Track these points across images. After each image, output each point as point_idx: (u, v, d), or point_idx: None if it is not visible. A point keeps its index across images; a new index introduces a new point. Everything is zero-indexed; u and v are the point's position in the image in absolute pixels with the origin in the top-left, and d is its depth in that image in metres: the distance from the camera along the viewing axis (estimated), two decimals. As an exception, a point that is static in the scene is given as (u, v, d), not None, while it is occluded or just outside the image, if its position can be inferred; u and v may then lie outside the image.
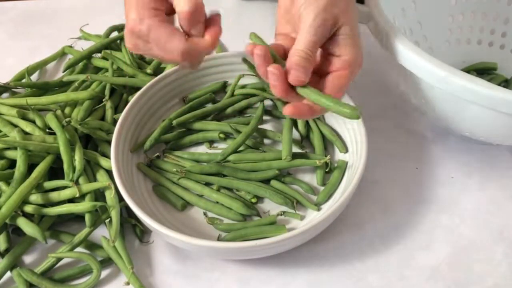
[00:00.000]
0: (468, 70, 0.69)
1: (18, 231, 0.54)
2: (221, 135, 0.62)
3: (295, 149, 0.61)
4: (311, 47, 0.47)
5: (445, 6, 0.70)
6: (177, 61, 0.50)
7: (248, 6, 0.84)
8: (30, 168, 0.55)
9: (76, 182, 0.55)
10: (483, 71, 0.70)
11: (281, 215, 0.56)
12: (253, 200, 0.57)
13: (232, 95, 0.66)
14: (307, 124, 0.62)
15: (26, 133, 0.59)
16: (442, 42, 0.71)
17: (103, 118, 0.64)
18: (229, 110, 0.65)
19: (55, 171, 0.57)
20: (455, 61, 0.71)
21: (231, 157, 0.59)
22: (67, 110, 0.63)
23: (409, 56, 0.51)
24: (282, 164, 0.58)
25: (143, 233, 0.56)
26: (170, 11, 0.51)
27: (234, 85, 0.65)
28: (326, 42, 0.49)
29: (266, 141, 0.63)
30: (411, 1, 0.66)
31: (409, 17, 0.66)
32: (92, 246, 0.55)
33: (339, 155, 0.61)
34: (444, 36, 0.71)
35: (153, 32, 0.48)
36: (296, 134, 0.63)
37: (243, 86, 0.66)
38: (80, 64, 0.72)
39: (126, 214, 0.57)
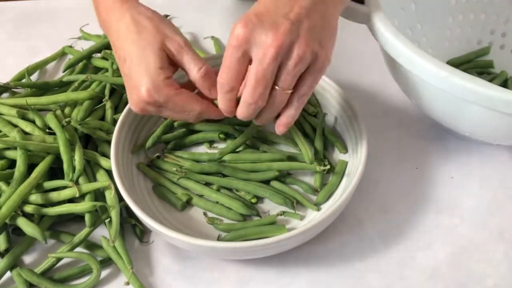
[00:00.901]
0: (465, 69, 0.69)
1: (18, 231, 0.54)
2: (221, 136, 0.62)
3: (295, 150, 0.61)
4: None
5: (445, 6, 0.70)
6: (187, 121, 0.54)
7: (247, 6, 0.84)
8: (30, 168, 0.55)
9: (76, 182, 0.55)
10: (483, 71, 0.70)
11: (281, 215, 0.56)
12: (253, 200, 0.57)
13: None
14: (308, 124, 0.62)
15: (26, 133, 0.59)
16: (442, 42, 0.71)
17: (103, 118, 0.64)
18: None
19: (55, 171, 0.57)
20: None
21: (229, 157, 0.59)
22: (67, 110, 0.63)
23: (409, 56, 0.51)
24: (282, 165, 0.58)
25: (143, 233, 0.56)
26: (176, 68, 0.53)
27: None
28: None
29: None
30: (411, 1, 0.67)
31: (409, 17, 0.66)
32: (92, 246, 0.55)
33: (339, 155, 0.61)
34: (444, 36, 0.71)
35: (171, 103, 0.50)
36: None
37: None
38: (80, 64, 0.72)
39: (126, 214, 0.57)
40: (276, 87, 0.47)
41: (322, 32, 0.47)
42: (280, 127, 0.51)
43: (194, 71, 0.51)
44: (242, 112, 0.49)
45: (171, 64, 0.52)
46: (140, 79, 0.49)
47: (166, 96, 0.50)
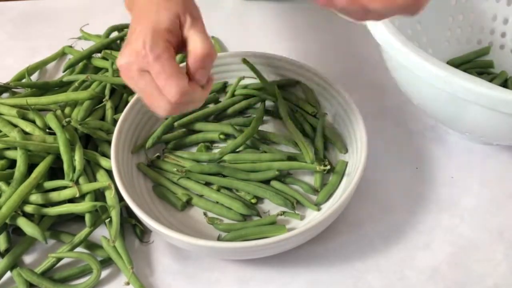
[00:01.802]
0: (465, 69, 0.69)
1: (18, 231, 0.54)
2: (221, 136, 0.62)
3: (295, 150, 0.61)
4: None
5: (445, 6, 0.70)
6: (163, 105, 0.46)
7: (248, 6, 0.84)
8: (30, 168, 0.55)
9: (76, 182, 0.55)
10: (483, 71, 0.70)
11: (281, 215, 0.56)
12: (253, 201, 0.57)
13: (233, 95, 0.66)
14: (308, 124, 0.62)
15: (26, 133, 0.59)
16: (442, 42, 0.71)
17: (103, 118, 0.64)
18: (229, 110, 0.65)
19: (55, 171, 0.57)
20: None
21: (229, 157, 0.59)
22: (67, 110, 0.63)
23: (409, 56, 0.51)
24: (282, 165, 0.58)
25: (143, 233, 0.56)
26: (178, 48, 0.49)
27: (234, 86, 0.65)
28: None
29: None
30: (411, 1, 0.66)
31: (409, 17, 0.66)
32: (92, 246, 0.55)
33: (339, 155, 0.61)
34: (444, 36, 0.71)
35: (159, 64, 0.45)
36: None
37: (244, 87, 0.66)
38: (80, 64, 0.72)
39: (126, 214, 0.57)
40: None
41: None
42: None
43: (200, 45, 0.47)
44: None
45: (177, 42, 0.48)
46: (140, 28, 0.46)
47: (157, 54, 0.45)
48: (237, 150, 0.60)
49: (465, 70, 0.65)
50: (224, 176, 0.58)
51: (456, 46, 0.72)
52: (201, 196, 0.58)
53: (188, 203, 0.58)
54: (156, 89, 0.46)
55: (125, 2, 0.52)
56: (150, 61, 0.45)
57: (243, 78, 0.65)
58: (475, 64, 0.71)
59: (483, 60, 0.71)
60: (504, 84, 0.68)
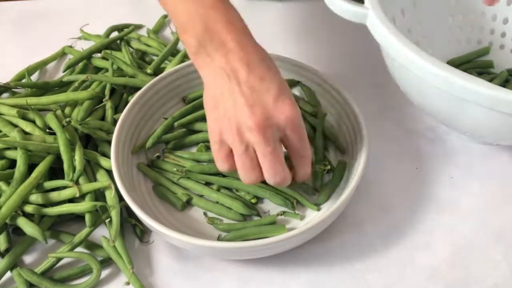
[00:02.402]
0: (465, 69, 0.69)
1: (18, 231, 0.54)
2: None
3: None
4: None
5: (445, 6, 0.70)
6: (253, 180, 0.50)
7: (249, 6, 0.84)
8: (30, 168, 0.55)
9: (76, 182, 0.55)
10: (483, 71, 0.70)
11: (281, 215, 0.56)
12: (253, 201, 0.57)
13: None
14: (308, 124, 0.62)
15: (26, 133, 0.59)
16: (442, 42, 0.71)
17: (103, 118, 0.64)
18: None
19: (55, 171, 0.57)
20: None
21: None
22: (67, 110, 0.63)
23: (409, 56, 0.51)
24: None
25: (143, 233, 0.56)
26: None
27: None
28: None
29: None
30: (411, 1, 0.66)
31: (409, 17, 0.66)
32: (92, 246, 0.55)
33: (339, 155, 0.61)
34: (444, 36, 0.71)
35: (272, 156, 0.47)
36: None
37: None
38: (80, 64, 0.72)
39: (126, 214, 0.57)
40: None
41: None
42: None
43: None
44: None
45: None
46: (285, 94, 0.47)
47: (274, 149, 0.47)
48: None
49: (465, 70, 0.65)
50: (224, 176, 0.58)
51: (456, 46, 0.71)
52: (201, 196, 0.58)
53: (188, 203, 0.58)
54: (281, 163, 0.48)
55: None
56: (266, 152, 0.47)
57: None
58: (475, 64, 0.71)
59: (483, 60, 0.71)
60: (504, 84, 0.68)
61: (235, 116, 0.46)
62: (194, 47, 0.47)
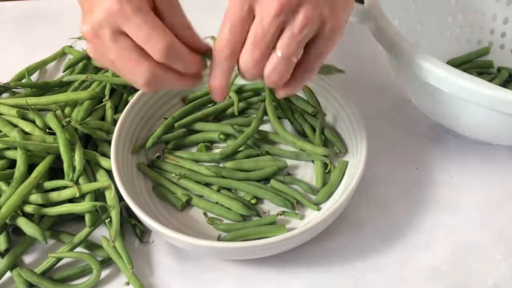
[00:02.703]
0: (465, 69, 0.69)
1: (18, 231, 0.54)
2: (221, 136, 0.62)
3: (295, 149, 0.61)
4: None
5: (445, 6, 0.70)
6: (145, 69, 0.40)
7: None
8: (30, 168, 0.55)
9: (76, 182, 0.55)
10: (483, 71, 0.70)
11: (281, 215, 0.56)
12: (253, 201, 0.57)
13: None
14: (308, 124, 0.62)
15: (26, 133, 0.59)
16: (442, 42, 0.71)
17: (103, 118, 0.64)
18: (229, 110, 0.65)
19: (55, 171, 0.57)
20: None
21: (230, 165, 0.58)
22: (67, 110, 0.63)
23: (410, 56, 0.51)
24: (281, 164, 0.58)
25: (143, 233, 0.56)
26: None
27: (231, 82, 0.65)
28: None
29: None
30: (411, 1, 0.66)
31: (409, 17, 0.66)
32: (92, 246, 0.55)
33: (339, 155, 0.61)
34: (444, 36, 0.71)
35: (139, 16, 0.38)
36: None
37: (243, 86, 0.66)
38: (80, 64, 0.72)
39: (126, 214, 0.57)
40: (278, 52, 0.41)
41: (335, 1, 0.41)
42: (279, 94, 0.45)
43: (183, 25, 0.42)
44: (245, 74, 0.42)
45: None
46: None
47: (138, 6, 0.38)
48: (238, 150, 0.60)
49: (465, 70, 0.65)
50: (223, 177, 0.58)
51: (456, 46, 0.72)
52: (201, 196, 0.58)
53: (188, 203, 0.58)
54: (135, 50, 0.39)
55: None
56: (128, 13, 0.38)
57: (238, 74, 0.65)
58: (475, 64, 0.71)
59: (483, 60, 0.71)
60: (504, 84, 0.68)
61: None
62: None
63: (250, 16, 0.40)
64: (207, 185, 0.58)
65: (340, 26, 0.42)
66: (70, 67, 0.72)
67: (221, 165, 0.59)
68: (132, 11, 0.38)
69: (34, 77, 0.74)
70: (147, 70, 0.40)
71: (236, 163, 0.58)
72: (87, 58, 0.71)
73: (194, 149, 0.63)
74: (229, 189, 0.58)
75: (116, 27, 0.39)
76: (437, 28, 0.70)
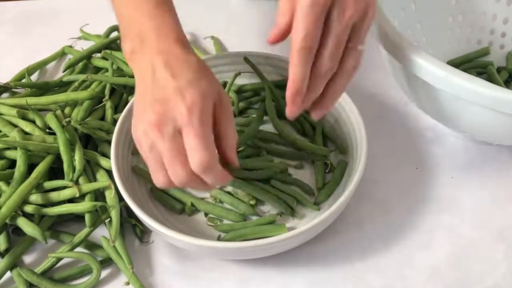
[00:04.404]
0: (465, 69, 0.69)
1: (18, 231, 0.54)
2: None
3: (294, 149, 0.61)
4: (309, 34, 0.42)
5: (445, 6, 0.70)
6: (181, 173, 0.44)
7: (248, 6, 0.84)
8: (30, 168, 0.55)
9: (76, 182, 0.55)
10: (483, 71, 0.70)
11: (280, 216, 0.56)
12: (252, 203, 0.57)
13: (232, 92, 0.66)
14: (308, 124, 0.62)
15: (26, 133, 0.59)
16: (442, 42, 0.71)
17: (103, 118, 0.64)
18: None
19: (55, 171, 0.57)
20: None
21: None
22: (67, 110, 0.63)
23: (410, 57, 0.51)
24: (283, 166, 0.58)
25: (143, 233, 0.56)
26: None
27: (230, 83, 0.65)
28: None
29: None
30: (411, 1, 0.66)
31: (409, 17, 0.66)
32: (92, 246, 0.55)
33: (339, 155, 0.61)
34: (444, 36, 0.71)
35: (202, 128, 0.43)
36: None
37: (243, 86, 0.66)
38: (80, 64, 0.72)
39: (126, 214, 0.57)
40: (349, 45, 0.44)
41: None
42: (317, 115, 0.48)
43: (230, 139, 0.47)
44: (315, 86, 0.45)
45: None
46: (183, 87, 0.43)
47: (205, 120, 0.43)
48: (238, 150, 0.60)
49: (465, 70, 0.65)
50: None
51: (456, 46, 0.71)
52: (201, 199, 0.58)
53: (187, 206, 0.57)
54: (182, 154, 0.43)
55: (126, 49, 0.48)
56: (194, 124, 0.43)
57: (239, 73, 0.65)
58: (475, 64, 0.71)
59: (483, 60, 0.71)
60: (505, 85, 0.68)
61: (143, 115, 0.45)
62: (128, 53, 0.48)
63: (323, 20, 0.42)
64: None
65: (375, 14, 0.45)
66: (70, 67, 0.72)
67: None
68: (197, 123, 0.43)
69: (34, 77, 0.74)
70: (186, 174, 0.44)
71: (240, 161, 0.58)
72: (87, 58, 0.71)
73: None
74: (228, 193, 0.58)
75: (179, 129, 0.43)
76: (437, 28, 0.70)
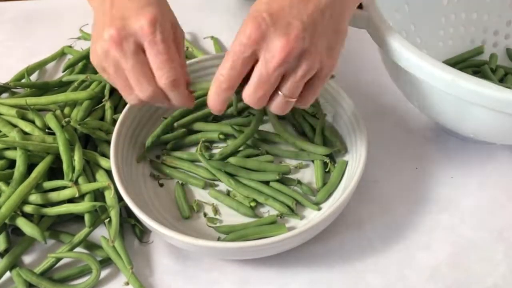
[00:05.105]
0: (460, 68, 0.69)
1: (17, 231, 0.54)
2: (221, 136, 0.62)
3: (295, 149, 0.61)
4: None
5: (437, 7, 0.70)
6: (146, 89, 0.45)
7: (248, 6, 0.84)
8: (30, 168, 0.55)
9: (76, 182, 0.55)
10: (478, 70, 0.70)
11: (281, 216, 0.56)
12: (252, 204, 0.57)
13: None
14: (308, 124, 0.62)
15: (25, 133, 0.59)
16: (435, 42, 0.71)
17: (102, 118, 0.64)
18: (228, 110, 0.65)
19: (55, 171, 0.57)
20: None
21: (234, 160, 0.59)
22: (66, 110, 0.63)
23: (415, 61, 0.50)
24: (284, 168, 0.58)
25: (142, 233, 0.56)
26: None
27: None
28: None
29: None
30: (404, 2, 0.66)
31: (403, 18, 0.66)
32: (91, 246, 0.55)
33: (339, 155, 0.61)
34: (437, 36, 0.71)
35: (165, 44, 0.44)
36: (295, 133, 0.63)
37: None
38: (80, 64, 0.72)
39: (126, 214, 0.57)
40: (280, 92, 0.45)
41: (333, 36, 0.45)
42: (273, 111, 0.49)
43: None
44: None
45: None
46: (141, 7, 0.44)
47: (167, 37, 0.44)
48: (238, 150, 0.60)
49: (460, 70, 0.65)
50: (226, 172, 0.58)
51: (449, 45, 0.71)
52: (215, 186, 0.59)
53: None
54: (149, 69, 0.44)
55: None
56: (157, 40, 0.43)
57: None
58: (470, 63, 0.71)
59: (477, 60, 0.71)
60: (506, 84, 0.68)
61: (102, 32, 0.45)
62: None
63: (252, 58, 0.44)
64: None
65: (334, 65, 0.46)
66: (70, 67, 0.72)
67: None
68: (160, 40, 0.43)
69: (33, 77, 0.74)
70: (152, 89, 0.45)
71: (239, 160, 0.58)
72: (86, 58, 0.71)
73: (193, 150, 0.63)
74: (227, 195, 0.58)
75: (141, 45, 0.44)
76: (431, 29, 0.70)
